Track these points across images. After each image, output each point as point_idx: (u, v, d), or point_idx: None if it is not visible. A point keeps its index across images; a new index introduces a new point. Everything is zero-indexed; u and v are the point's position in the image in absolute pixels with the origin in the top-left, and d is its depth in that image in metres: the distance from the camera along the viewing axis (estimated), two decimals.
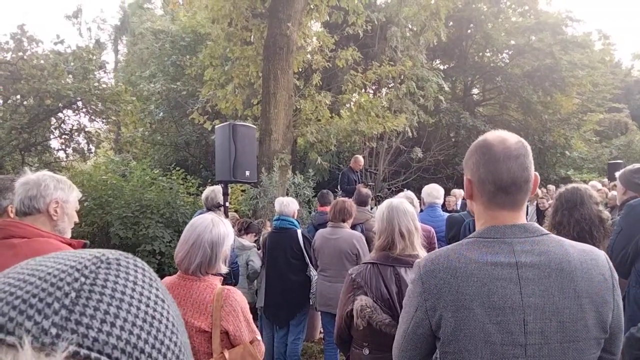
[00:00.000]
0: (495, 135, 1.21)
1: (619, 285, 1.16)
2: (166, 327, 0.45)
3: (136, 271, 0.46)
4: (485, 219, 1.21)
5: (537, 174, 1.20)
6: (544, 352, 1.07)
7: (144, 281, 0.46)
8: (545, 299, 1.08)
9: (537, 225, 1.19)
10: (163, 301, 0.47)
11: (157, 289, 0.47)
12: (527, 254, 1.12)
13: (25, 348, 0.35)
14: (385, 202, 2.34)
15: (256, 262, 4.56)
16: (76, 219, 1.94)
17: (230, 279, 3.60)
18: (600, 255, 1.17)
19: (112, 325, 0.40)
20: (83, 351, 0.37)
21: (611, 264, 1.17)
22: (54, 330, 0.37)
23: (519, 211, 1.19)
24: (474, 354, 1.09)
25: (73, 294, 0.40)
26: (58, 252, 0.46)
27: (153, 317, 0.44)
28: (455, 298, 1.11)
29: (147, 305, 0.44)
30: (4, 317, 0.37)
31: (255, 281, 4.75)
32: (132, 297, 0.43)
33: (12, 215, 1.94)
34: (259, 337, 2.03)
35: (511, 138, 1.19)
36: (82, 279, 0.41)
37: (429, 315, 1.15)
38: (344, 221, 4.03)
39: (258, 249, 4.75)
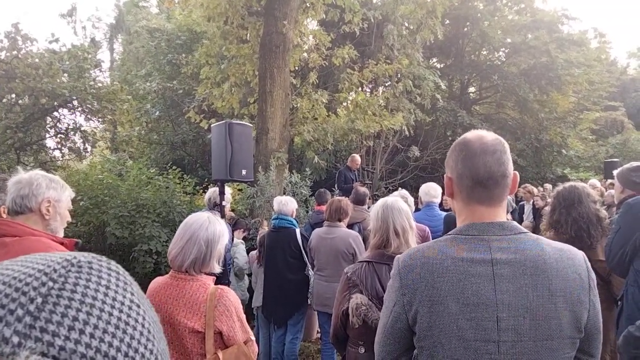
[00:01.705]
0: (474, 133, 1.25)
1: (596, 286, 1.16)
2: (141, 333, 0.42)
3: (109, 275, 0.44)
4: (465, 215, 1.22)
5: (516, 172, 1.22)
6: (517, 349, 1.08)
7: (117, 285, 0.43)
8: (519, 296, 1.09)
9: (515, 223, 1.20)
10: (138, 306, 0.44)
11: (132, 294, 0.44)
12: (503, 251, 1.13)
13: None
14: (380, 201, 2.34)
15: (240, 259, 4.57)
16: (69, 219, 1.93)
17: (224, 278, 3.60)
18: (577, 255, 1.17)
19: (81, 332, 0.37)
20: None
21: (589, 264, 1.18)
22: (15, 339, 0.34)
23: (498, 207, 1.20)
24: (448, 349, 1.10)
25: (39, 300, 0.37)
26: (28, 255, 0.43)
27: (126, 324, 0.41)
28: (430, 293, 1.12)
29: (120, 311, 0.42)
30: None
31: (250, 279, 4.75)
32: (103, 302, 0.41)
33: (4, 215, 1.93)
34: (253, 338, 2.01)
35: (489, 135, 1.22)
36: (50, 284, 0.39)
37: (406, 310, 1.16)
38: (340, 220, 4.01)
39: (254, 248, 4.75)
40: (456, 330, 1.09)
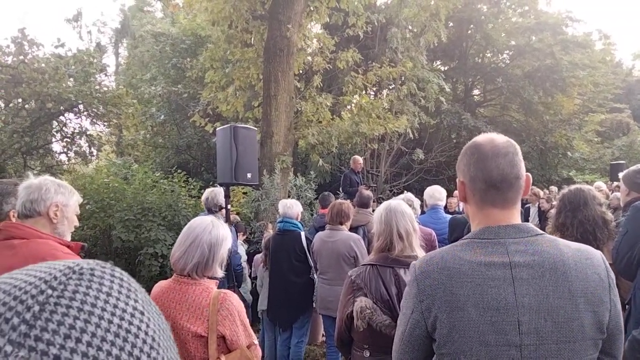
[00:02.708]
0: (484, 136, 1.24)
1: (615, 286, 1.15)
2: (144, 341, 0.41)
3: (112, 281, 0.42)
4: (479, 219, 1.21)
5: (529, 174, 1.21)
6: (540, 352, 1.06)
7: (120, 292, 0.42)
8: (540, 299, 1.08)
9: (531, 225, 1.19)
10: (142, 313, 0.43)
11: (136, 300, 0.43)
12: (521, 254, 1.11)
13: None
14: (384, 204, 2.34)
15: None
16: (76, 223, 1.98)
17: (231, 282, 3.59)
18: (595, 255, 1.16)
19: (78, 340, 0.36)
20: None
21: (607, 263, 1.16)
22: (9, 348, 0.34)
23: (512, 209, 1.19)
24: (470, 355, 1.08)
25: (36, 308, 0.36)
26: (33, 265, 0.43)
27: (128, 331, 0.40)
28: (449, 299, 1.11)
29: (122, 318, 0.40)
30: None
31: (255, 282, 4.77)
32: (103, 310, 0.39)
33: (13, 219, 1.99)
34: (256, 342, 2.00)
35: (499, 138, 1.21)
36: (49, 291, 0.38)
37: (424, 317, 1.15)
38: (341, 224, 4.01)
39: (258, 251, 4.77)
40: (477, 336, 1.08)
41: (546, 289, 1.08)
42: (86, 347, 0.36)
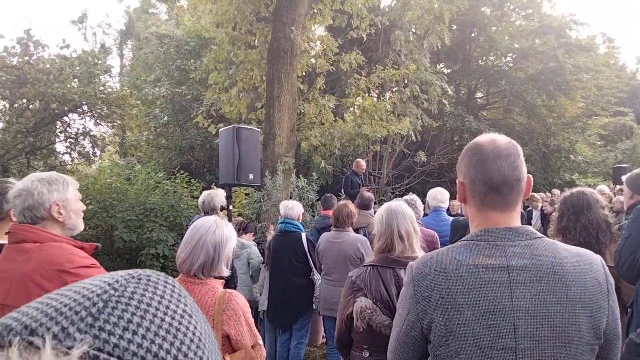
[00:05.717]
0: (486, 137, 1.21)
1: (615, 292, 1.13)
2: (191, 340, 0.46)
3: (165, 287, 0.48)
4: (478, 222, 1.19)
5: (530, 176, 1.19)
6: (536, 357, 1.05)
7: (172, 296, 0.48)
8: (537, 303, 1.06)
9: (530, 228, 1.17)
10: (190, 316, 0.48)
11: (186, 305, 0.49)
12: (519, 258, 1.10)
13: (47, 347, 0.38)
14: (385, 206, 2.34)
15: (256, 260, 4.58)
16: (84, 208, 1.88)
17: (231, 282, 3.60)
18: (595, 260, 1.14)
19: (134, 333, 0.42)
20: (103, 356, 0.39)
21: (607, 269, 1.14)
22: (77, 335, 0.40)
23: (512, 212, 1.17)
24: (465, 357, 1.08)
25: (101, 304, 0.42)
26: (102, 274, 0.49)
27: (178, 330, 0.45)
28: (445, 301, 1.10)
29: (173, 318, 0.46)
30: (37, 323, 0.40)
31: (258, 283, 4.77)
32: (157, 310, 0.45)
33: (14, 219, 1.88)
34: (261, 342, 2.00)
35: (501, 139, 1.19)
36: (112, 292, 0.44)
37: (420, 318, 1.14)
38: (348, 225, 4.02)
39: (261, 252, 4.77)
40: (473, 339, 1.07)
41: (544, 293, 1.07)
42: (141, 339, 0.42)
